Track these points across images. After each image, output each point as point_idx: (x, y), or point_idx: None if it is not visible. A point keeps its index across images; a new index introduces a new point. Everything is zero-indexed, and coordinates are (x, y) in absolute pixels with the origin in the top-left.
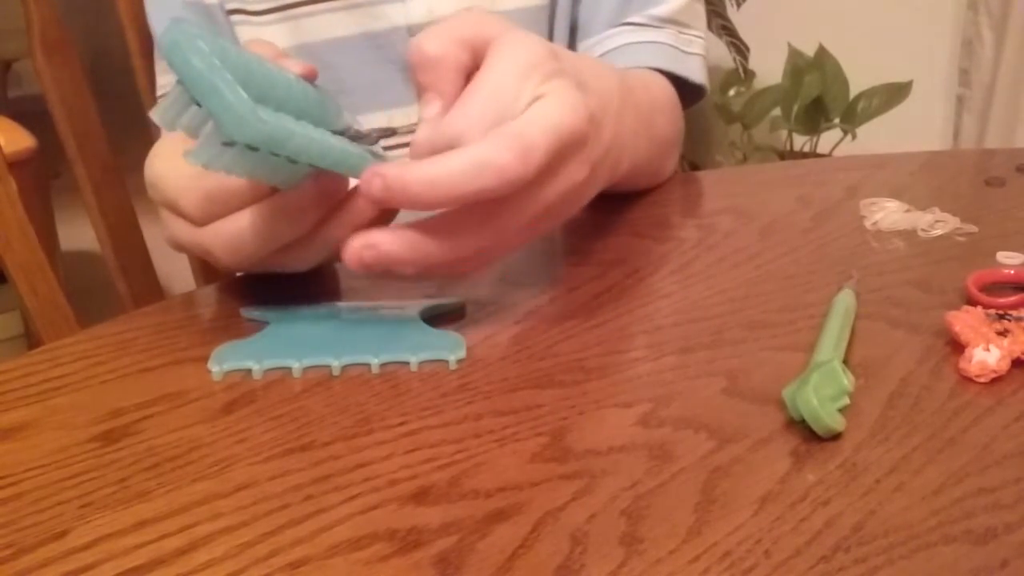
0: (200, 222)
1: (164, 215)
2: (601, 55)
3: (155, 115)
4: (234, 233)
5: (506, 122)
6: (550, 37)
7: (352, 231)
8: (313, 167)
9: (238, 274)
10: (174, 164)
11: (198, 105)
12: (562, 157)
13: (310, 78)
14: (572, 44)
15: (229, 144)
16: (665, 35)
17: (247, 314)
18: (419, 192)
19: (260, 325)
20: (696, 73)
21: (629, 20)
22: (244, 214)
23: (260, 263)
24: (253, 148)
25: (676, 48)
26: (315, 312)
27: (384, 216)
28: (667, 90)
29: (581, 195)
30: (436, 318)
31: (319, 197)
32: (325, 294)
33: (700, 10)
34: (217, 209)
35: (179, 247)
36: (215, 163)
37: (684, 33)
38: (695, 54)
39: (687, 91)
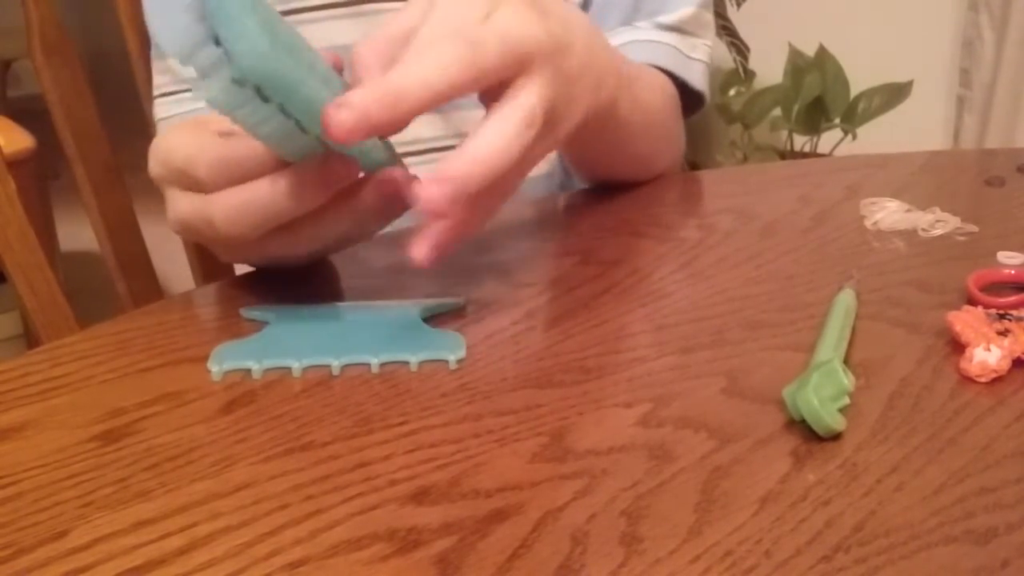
0: (209, 187)
1: (169, 193)
2: None
3: (170, 45)
4: (236, 203)
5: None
6: None
7: (353, 225)
8: (324, 143)
9: (238, 273)
10: (187, 135)
11: (216, 45)
12: (520, 64)
13: (336, 68)
14: None
15: (240, 84)
16: (670, 37)
17: (247, 314)
18: (383, 108)
19: (259, 325)
20: (697, 79)
21: (636, 23)
22: (249, 184)
23: (257, 245)
24: (264, 98)
25: (679, 51)
26: (315, 312)
27: (388, 212)
28: (667, 85)
29: (557, 101)
30: (436, 318)
31: (325, 177)
32: (325, 294)
33: (708, 20)
34: (227, 175)
35: (181, 225)
36: (221, 101)
37: (689, 37)
38: (698, 60)
39: (687, 98)
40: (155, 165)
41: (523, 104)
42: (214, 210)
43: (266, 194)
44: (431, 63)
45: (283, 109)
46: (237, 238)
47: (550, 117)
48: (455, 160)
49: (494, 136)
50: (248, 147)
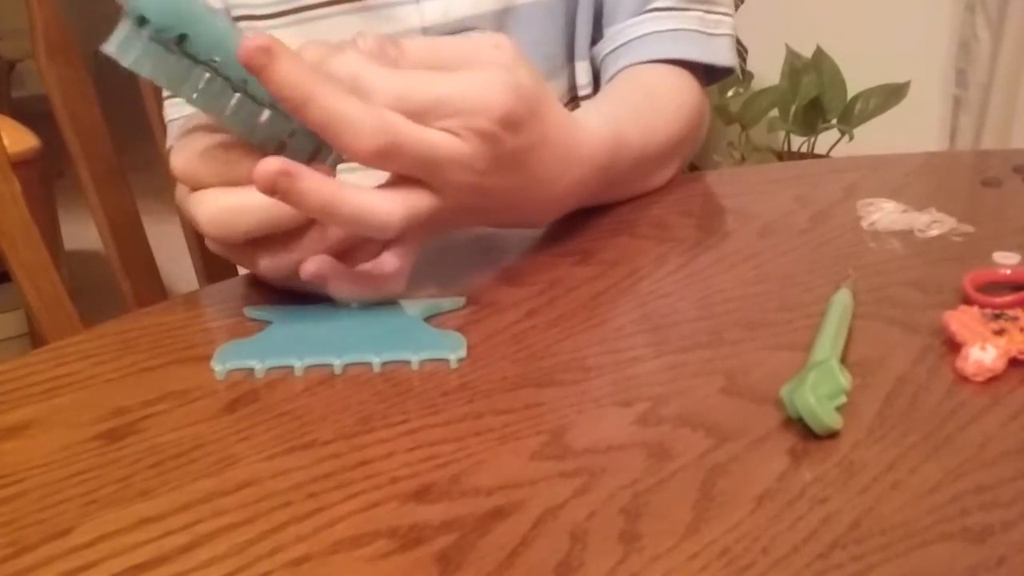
0: (183, 183)
1: None
2: (624, 43)
3: (109, 47)
4: (224, 207)
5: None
6: (571, 28)
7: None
8: (281, 115)
9: (242, 273)
10: (192, 130)
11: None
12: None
13: None
14: (596, 32)
15: (159, 41)
16: (690, 19)
17: (250, 313)
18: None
19: (263, 324)
20: (722, 55)
21: (655, 5)
22: (239, 189)
23: (244, 253)
24: (191, 56)
25: (701, 32)
26: (317, 312)
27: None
28: (682, 103)
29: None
30: (437, 317)
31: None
32: (327, 294)
33: None
34: (202, 171)
35: (182, 209)
36: (143, 62)
37: (711, 13)
38: (723, 35)
39: (716, 69)
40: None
41: (401, 209)
42: (199, 211)
43: (257, 200)
44: (342, 118)
45: (216, 70)
46: (220, 240)
47: (425, 225)
48: (316, 180)
49: (355, 205)
50: (232, 149)
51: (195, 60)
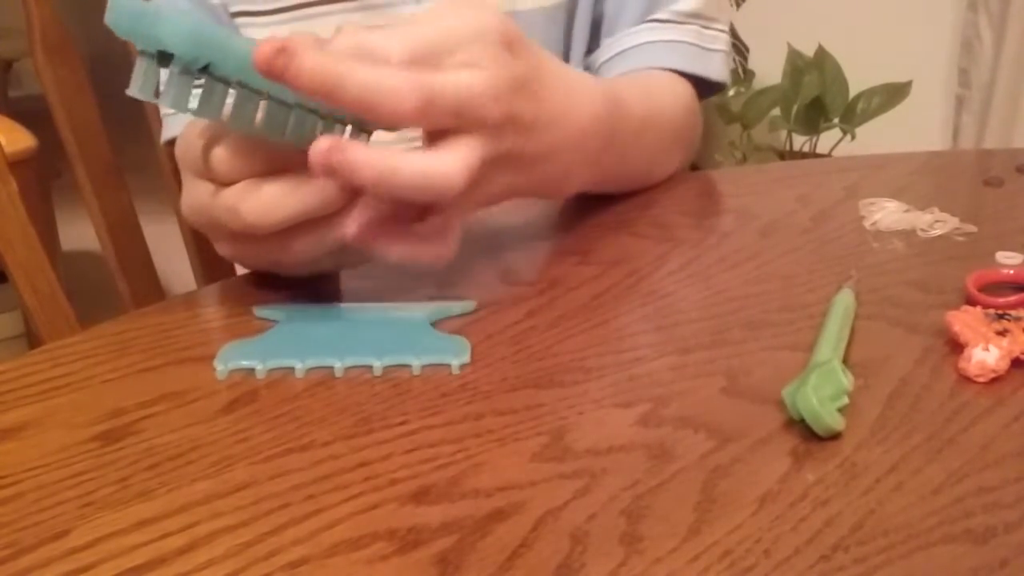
0: (224, 178)
1: (187, 182)
2: (619, 53)
3: (132, 89)
4: (271, 194)
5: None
6: (569, 35)
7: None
8: (314, 115)
9: (239, 273)
10: (208, 125)
11: (162, 66)
12: (468, 125)
13: None
14: (594, 40)
15: (188, 73)
16: (687, 32)
17: (260, 312)
18: (316, 76)
19: (263, 324)
20: (716, 71)
21: (654, 16)
22: (283, 177)
23: (277, 241)
24: (221, 80)
25: (698, 46)
26: (324, 312)
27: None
28: (678, 96)
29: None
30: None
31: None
32: (333, 294)
33: (724, 2)
34: (244, 164)
35: (195, 211)
36: (182, 101)
37: (708, 28)
38: (718, 50)
39: (709, 84)
40: (178, 148)
41: (457, 161)
42: (243, 201)
43: (304, 187)
44: (380, 88)
45: (244, 85)
46: (262, 230)
47: (478, 179)
48: (367, 151)
49: (413, 168)
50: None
51: (224, 83)
